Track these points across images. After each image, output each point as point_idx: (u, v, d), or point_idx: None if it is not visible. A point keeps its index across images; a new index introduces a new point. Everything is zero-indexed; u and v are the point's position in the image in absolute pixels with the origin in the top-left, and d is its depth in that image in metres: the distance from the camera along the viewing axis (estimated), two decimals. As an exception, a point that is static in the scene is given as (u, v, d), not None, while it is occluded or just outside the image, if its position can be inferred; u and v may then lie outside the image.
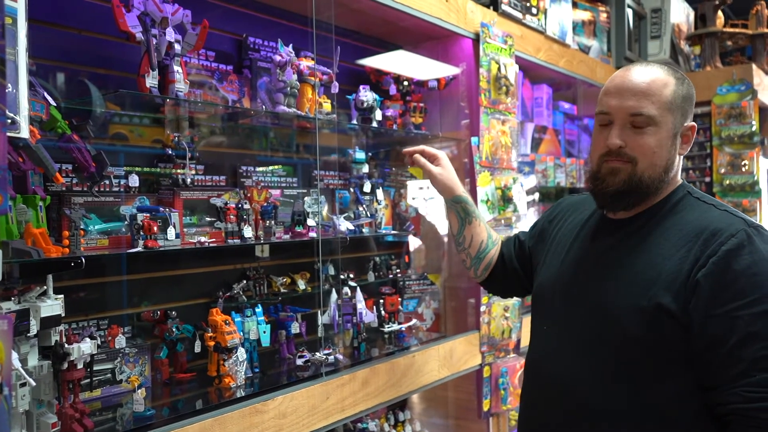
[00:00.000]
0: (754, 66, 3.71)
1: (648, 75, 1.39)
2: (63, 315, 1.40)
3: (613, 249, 1.45)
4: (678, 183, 1.47)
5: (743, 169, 3.67)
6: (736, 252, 1.26)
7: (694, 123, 1.44)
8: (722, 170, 3.74)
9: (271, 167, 2.20)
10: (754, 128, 3.63)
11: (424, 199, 2.75)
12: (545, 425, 1.47)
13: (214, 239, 1.84)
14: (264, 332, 1.94)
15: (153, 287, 1.91)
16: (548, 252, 1.64)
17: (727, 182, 3.71)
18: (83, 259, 1.35)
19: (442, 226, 2.77)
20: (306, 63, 2.00)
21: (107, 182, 1.72)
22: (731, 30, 3.98)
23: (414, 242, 2.80)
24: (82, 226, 1.59)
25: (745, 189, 3.67)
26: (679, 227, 1.37)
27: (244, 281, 2.09)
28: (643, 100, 1.37)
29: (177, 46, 1.71)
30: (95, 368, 1.62)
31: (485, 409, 2.57)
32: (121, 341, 1.71)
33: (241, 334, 1.86)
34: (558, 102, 3.71)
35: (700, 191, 1.47)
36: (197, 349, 1.88)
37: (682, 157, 1.47)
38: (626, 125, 1.39)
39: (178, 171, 1.88)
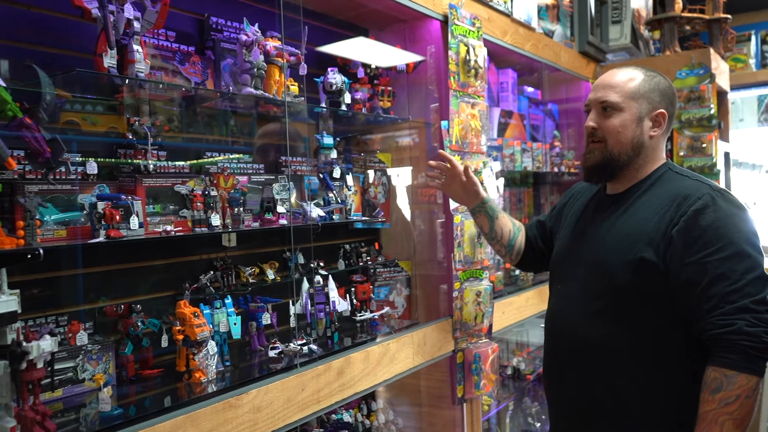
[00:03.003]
0: (711, 50, 3.77)
1: (618, 73, 1.75)
2: (19, 312, 1.31)
3: (608, 217, 1.75)
4: (661, 162, 1.77)
5: (702, 152, 3.74)
6: (702, 211, 1.56)
7: (663, 110, 1.71)
8: (682, 153, 3.81)
9: (235, 155, 2.12)
10: (712, 111, 3.70)
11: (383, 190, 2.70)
12: (561, 365, 1.79)
13: (180, 228, 1.75)
14: (235, 324, 1.87)
15: (115, 280, 1.82)
16: (563, 227, 1.96)
17: (687, 164, 3.77)
18: (41, 251, 1.26)
19: (406, 215, 2.74)
20: (273, 43, 1.92)
21: (63, 170, 1.62)
22: (689, 15, 4.04)
23: (384, 229, 2.76)
24: (37, 216, 1.49)
25: (704, 171, 3.74)
26: (659, 196, 1.68)
27: (211, 272, 2.01)
28: (608, 91, 1.72)
29: (136, 24, 1.61)
30: (56, 367, 1.54)
31: (459, 395, 2.55)
32: (82, 338, 1.62)
33: (211, 326, 1.79)
34: (522, 87, 3.71)
35: (681, 167, 1.78)
36: (164, 343, 1.80)
37: (659, 139, 1.75)
38: (598, 112, 1.74)
39: (140, 160, 1.78)
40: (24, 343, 1.29)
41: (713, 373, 1.51)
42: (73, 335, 1.61)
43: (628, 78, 1.72)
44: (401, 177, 2.74)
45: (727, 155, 4.29)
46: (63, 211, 1.60)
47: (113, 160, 1.77)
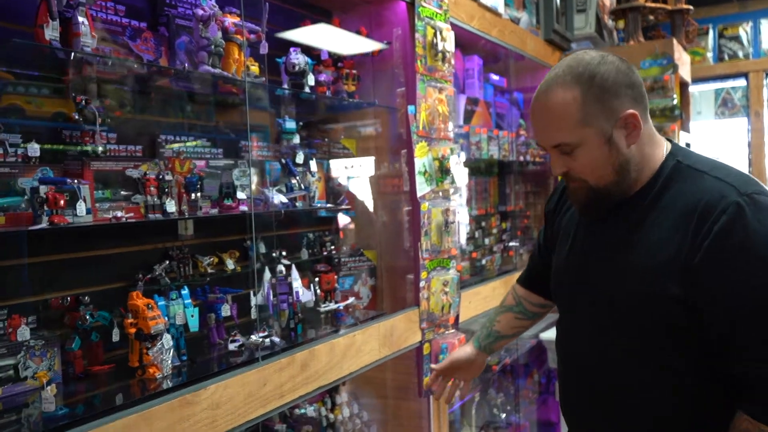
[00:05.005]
0: (674, 41, 3.80)
1: (548, 103, 1.36)
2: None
3: (612, 235, 1.43)
4: (663, 155, 1.40)
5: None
6: (728, 230, 1.23)
7: (631, 110, 1.32)
8: (645, 143, 3.83)
9: (192, 139, 2.01)
10: (675, 102, 3.72)
11: (347, 177, 2.63)
12: (575, 402, 1.55)
13: (131, 214, 1.64)
14: (192, 316, 1.77)
15: (61, 271, 1.69)
16: (559, 239, 1.63)
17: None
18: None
19: (371, 203, 2.67)
20: (231, 20, 1.81)
21: (0, 151, 1.49)
22: (652, 5, 4.06)
23: (348, 218, 2.68)
24: (-29, 201, 1.37)
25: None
26: (673, 206, 1.34)
27: (167, 262, 1.90)
28: (553, 132, 1.37)
29: (81, -6, 1.49)
30: (-6, 365, 1.42)
31: (425, 387, 2.49)
32: (24, 333, 1.49)
33: (166, 319, 1.68)
34: (488, 74, 3.66)
35: (691, 154, 1.41)
36: (115, 338, 1.68)
37: (642, 137, 1.36)
38: (558, 154, 1.39)
39: (88, 143, 1.66)
40: (-45, 339, 1.18)
41: (746, 423, 1.25)
42: (14, 330, 1.48)
43: (564, 103, 1.32)
44: (365, 166, 2.65)
45: (688, 146, 4.34)
46: (1, 196, 1.48)
47: (60, 146, 1.64)
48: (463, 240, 3.17)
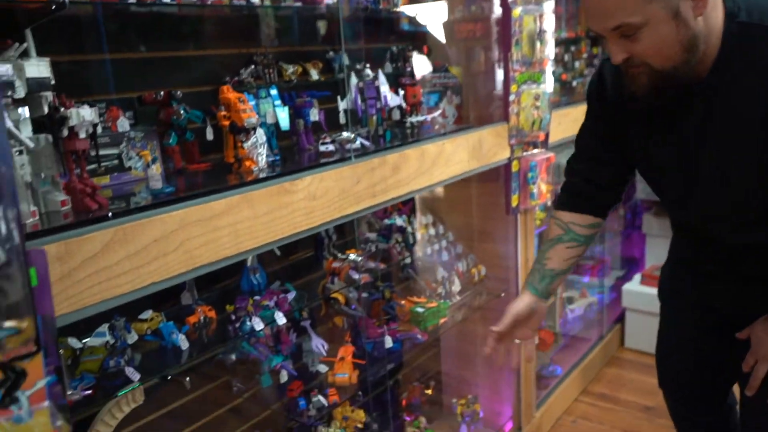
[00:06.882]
0: None
1: None
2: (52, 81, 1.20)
3: (702, 125, 1.30)
4: (721, 21, 1.22)
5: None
6: None
7: None
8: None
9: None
10: None
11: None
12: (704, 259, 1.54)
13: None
14: (282, 115, 1.74)
15: (150, 70, 1.69)
16: (633, 144, 1.46)
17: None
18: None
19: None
20: None
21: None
22: None
23: (434, 30, 2.53)
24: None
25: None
26: (756, 71, 1.20)
27: (252, 66, 1.86)
28: (612, 12, 1.17)
29: None
30: (100, 153, 1.45)
31: (513, 204, 2.45)
32: (123, 124, 1.51)
33: (257, 116, 1.67)
34: None
35: (748, 5, 1.23)
36: (209, 136, 1.70)
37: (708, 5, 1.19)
38: (617, 38, 1.21)
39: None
40: (62, 109, 1.19)
41: None
42: (113, 121, 1.51)
43: None
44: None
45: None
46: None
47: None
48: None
